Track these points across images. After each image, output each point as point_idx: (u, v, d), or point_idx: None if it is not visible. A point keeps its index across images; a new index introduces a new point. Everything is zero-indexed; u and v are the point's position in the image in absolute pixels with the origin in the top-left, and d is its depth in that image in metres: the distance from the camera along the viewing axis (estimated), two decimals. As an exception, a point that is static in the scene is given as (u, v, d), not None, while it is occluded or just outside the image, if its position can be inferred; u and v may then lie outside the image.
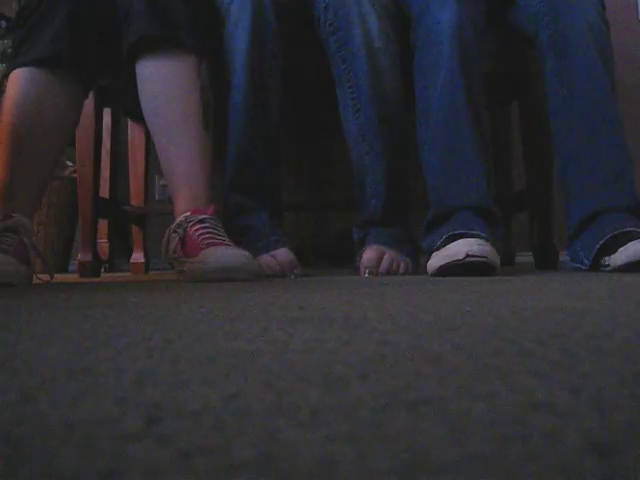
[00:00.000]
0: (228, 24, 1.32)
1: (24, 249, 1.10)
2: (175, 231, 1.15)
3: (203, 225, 1.13)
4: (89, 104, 1.55)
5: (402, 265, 1.30)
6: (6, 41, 2.00)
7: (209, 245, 1.09)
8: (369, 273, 1.26)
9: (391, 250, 1.30)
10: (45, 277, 1.18)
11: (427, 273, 1.15)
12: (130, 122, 1.87)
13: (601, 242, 1.15)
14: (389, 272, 1.27)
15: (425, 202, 1.28)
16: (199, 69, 1.24)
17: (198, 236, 1.11)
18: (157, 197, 2.12)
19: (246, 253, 1.08)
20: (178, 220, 1.16)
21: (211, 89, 1.30)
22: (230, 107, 1.33)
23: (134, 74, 1.23)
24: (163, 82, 1.21)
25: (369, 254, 1.29)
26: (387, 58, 1.32)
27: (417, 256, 1.35)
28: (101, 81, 1.46)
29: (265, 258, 1.26)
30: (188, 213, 1.15)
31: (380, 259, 1.28)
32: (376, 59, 1.31)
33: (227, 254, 1.06)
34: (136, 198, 1.89)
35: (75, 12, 1.21)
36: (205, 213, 1.15)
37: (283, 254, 1.27)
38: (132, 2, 1.20)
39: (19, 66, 1.21)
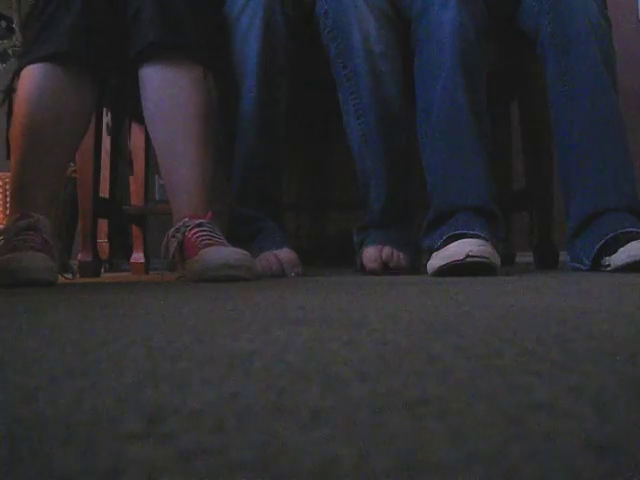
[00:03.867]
0: (237, 36, 1.31)
1: (49, 247, 1.10)
2: (174, 235, 1.16)
3: (201, 229, 1.14)
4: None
5: (402, 256, 1.30)
6: (6, 41, 2.00)
7: (207, 245, 1.09)
8: (372, 271, 1.27)
9: (390, 245, 1.31)
10: (67, 276, 1.18)
11: (427, 273, 1.15)
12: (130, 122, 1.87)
13: (601, 242, 1.15)
14: (391, 261, 1.28)
15: (425, 202, 1.28)
16: (205, 80, 1.24)
17: (196, 238, 1.12)
18: (157, 197, 2.12)
19: (245, 252, 1.08)
20: (176, 225, 1.17)
21: (216, 100, 1.30)
22: (238, 119, 1.33)
23: (137, 77, 1.23)
24: (167, 90, 1.21)
25: (369, 252, 1.30)
26: (387, 63, 1.32)
27: (418, 257, 1.35)
28: (111, 80, 1.45)
29: (268, 255, 1.27)
30: (186, 219, 1.16)
31: (380, 253, 1.29)
32: (376, 64, 1.31)
33: (226, 252, 1.07)
34: (136, 198, 1.89)
35: (89, 5, 1.19)
36: (203, 219, 1.16)
37: (286, 252, 1.28)
38: (141, 6, 1.19)
39: (33, 62, 1.18)
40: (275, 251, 1.28)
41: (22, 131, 1.17)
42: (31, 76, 1.18)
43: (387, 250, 1.29)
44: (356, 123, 1.34)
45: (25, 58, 1.22)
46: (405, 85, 1.34)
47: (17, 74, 1.22)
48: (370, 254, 1.30)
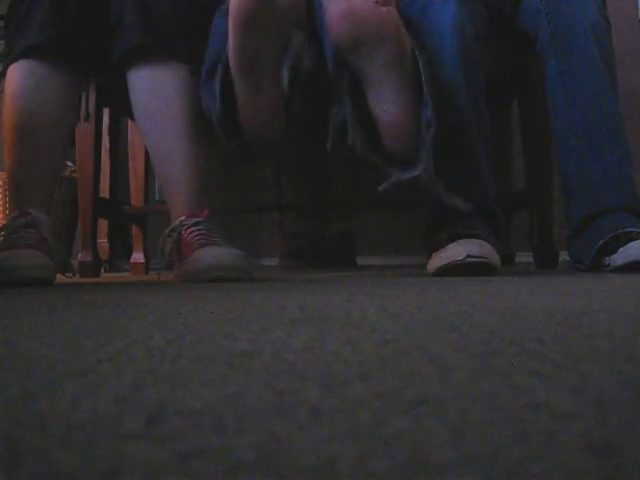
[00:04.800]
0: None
1: (47, 245, 1.10)
2: (169, 235, 1.16)
3: (197, 228, 1.14)
4: (89, 104, 1.55)
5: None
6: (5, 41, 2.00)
7: (202, 245, 1.10)
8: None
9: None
10: (67, 275, 1.19)
11: (427, 273, 1.15)
12: (130, 122, 1.87)
13: (601, 242, 1.15)
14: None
15: (419, 204, 1.27)
16: (191, 79, 1.24)
17: (192, 238, 1.13)
18: (157, 197, 2.12)
19: (239, 252, 1.08)
20: (172, 225, 1.17)
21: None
22: None
23: (122, 78, 1.24)
24: (154, 90, 1.22)
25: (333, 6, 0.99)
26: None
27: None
28: (100, 80, 1.46)
29: None
30: (183, 217, 1.16)
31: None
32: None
33: (219, 253, 1.07)
34: (136, 198, 1.89)
35: (58, 1, 1.21)
36: (199, 217, 1.16)
37: None
38: (124, 10, 1.20)
39: (13, 61, 1.21)
40: None
41: (11, 129, 1.19)
42: (13, 75, 1.21)
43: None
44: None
45: (6, 60, 1.24)
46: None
47: (2, 76, 1.24)
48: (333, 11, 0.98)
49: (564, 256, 1.39)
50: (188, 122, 1.22)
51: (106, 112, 1.73)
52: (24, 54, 1.20)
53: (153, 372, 0.29)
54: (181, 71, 1.23)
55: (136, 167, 1.88)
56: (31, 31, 1.19)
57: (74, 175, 1.80)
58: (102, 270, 1.76)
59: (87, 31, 1.24)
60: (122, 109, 1.77)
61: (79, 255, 1.63)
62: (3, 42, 1.98)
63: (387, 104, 1.04)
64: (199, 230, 1.14)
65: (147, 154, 1.85)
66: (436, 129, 1.20)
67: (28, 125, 1.19)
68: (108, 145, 1.75)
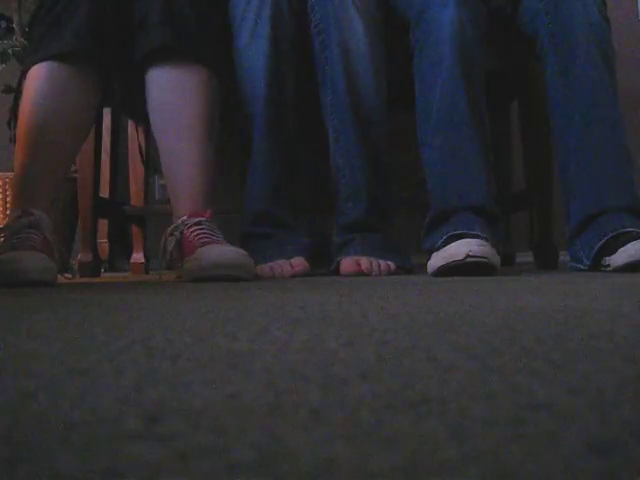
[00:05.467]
0: (244, 31, 1.31)
1: (50, 246, 1.10)
2: (172, 234, 1.16)
3: (200, 227, 1.14)
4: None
5: (386, 264, 1.26)
6: (6, 41, 2.00)
7: (205, 244, 1.10)
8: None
9: (373, 254, 1.27)
10: (67, 275, 1.18)
11: (427, 273, 1.15)
12: (130, 122, 1.87)
13: (601, 242, 1.15)
14: (371, 272, 1.25)
15: (419, 204, 1.27)
16: (210, 81, 1.24)
17: (195, 237, 1.12)
18: (157, 197, 2.12)
19: (242, 251, 1.08)
20: (175, 223, 1.17)
21: (221, 103, 1.30)
22: (248, 112, 1.32)
23: (142, 78, 1.24)
24: (172, 88, 1.22)
25: (347, 263, 1.27)
26: (366, 62, 1.31)
27: (404, 257, 1.32)
28: (114, 80, 1.46)
29: (282, 263, 1.25)
30: (185, 217, 1.16)
31: (358, 266, 1.25)
32: (351, 62, 1.30)
33: (223, 251, 1.07)
34: (136, 198, 1.89)
35: (97, 8, 1.20)
36: (202, 216, 1.15)
37: (298, 262, 1.25)
38: (149, 11, 1.20)
39: (39, 61, 1.19)
40: (285, 260, 1.25)
41: (27, 130, 1.18)
42: (37, 75, 1.20)
43: (365, 261, 1.25)
44: (329, 119, 1.34)
45: (31, 58, 1.22)
46: (401, 83, 1.33)
47: (23, 75, 1.22)
48: (348, 265, 1.26)
49: (564, 256, 1.39)
50: (202, 123, 1.22)
51: (106, 112, 1.73)
52: (53, 57, 1.19)
53: (153, 372, 0.29)
54: (202, 74, 1.23)
55: (136, 167, 1.87)
56: (65, 35, 1.18)
57: (74, 175, 1.80)
58: (102, 270, 1.76)
59: (117, 37, 1.24)
60: (123, 109, 1.77)
61: (79, 255, 1.63)
62: (3, 42, 1.98)
63: None
64: (202, 229, 1.13)
65: (147, 154, 1.85)
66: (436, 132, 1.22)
67: (43, 130, 1.17)
68: (108, 145, 1.75)
